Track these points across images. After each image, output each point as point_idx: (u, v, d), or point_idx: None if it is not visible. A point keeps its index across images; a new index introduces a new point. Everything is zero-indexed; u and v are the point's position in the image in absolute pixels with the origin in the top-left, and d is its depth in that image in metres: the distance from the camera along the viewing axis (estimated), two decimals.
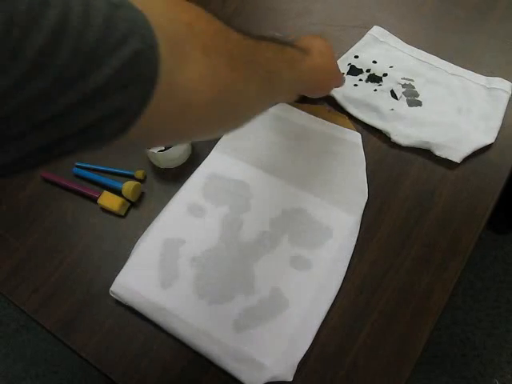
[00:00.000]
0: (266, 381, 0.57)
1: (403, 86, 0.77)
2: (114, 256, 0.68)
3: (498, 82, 0.76)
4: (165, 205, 0.70)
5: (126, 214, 0.71)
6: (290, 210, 0.68)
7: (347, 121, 0.75)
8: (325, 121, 0.75)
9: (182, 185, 0.71)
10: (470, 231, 0.66)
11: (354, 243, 0.65)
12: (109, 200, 0.71)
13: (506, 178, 0.70)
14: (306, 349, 0.59)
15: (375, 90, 0.77)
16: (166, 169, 0.74)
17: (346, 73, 0.80)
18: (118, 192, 0.71)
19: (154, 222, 0.69)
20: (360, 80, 0.79)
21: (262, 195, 0.70)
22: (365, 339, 0.60)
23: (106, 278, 0.65)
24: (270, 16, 0.90)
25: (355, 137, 0.73)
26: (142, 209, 0.72)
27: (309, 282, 0.63)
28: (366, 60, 0.81)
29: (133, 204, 0.72)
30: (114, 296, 0.64)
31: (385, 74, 0.79)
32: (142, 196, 0.73)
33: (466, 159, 0.71)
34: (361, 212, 0.67)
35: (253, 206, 0.69)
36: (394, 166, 0.72)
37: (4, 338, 1.45)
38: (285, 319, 0.61)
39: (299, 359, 0.59)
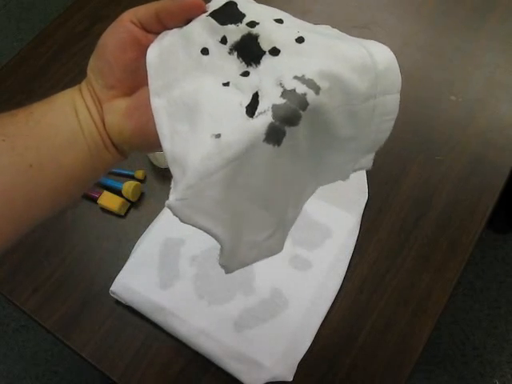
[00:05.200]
0: (266, 381, 0.57)
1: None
2: (114, 256, 0.68)
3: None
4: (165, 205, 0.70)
5: (126, 213, 0.71)
6: None
7: None
8: None
9: None
10: (469, 231, 0.66)
11: (353, 243, 0.65)
12: (109, 200, 0.70)
13: (506, 178, 0.70)
14: (306, 349, 0.59)
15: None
16: (166, 169, 0.74)
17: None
18: (118, 192, 0.71)
19: (153, 221, 0.69)
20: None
21: None
22: (365, 339, 0.60)
23: (106, 277, 0.65)
24: None
25: None
26: (141, 209, 0.72)
27: (308, 281, 0.63)
28: None
29: (133, 204, 0.72)
30: (114, 296, 0.64)
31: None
32: (141, 196, 0.73)
33: (466, 159, 0.71)
34: (361, 212, 0.67)
35: None
36: (394, 166, 0.72)
37: (4, 338, 1.45)
38: (285, 319, 0.61)
39: (299, 359, 0.59)
